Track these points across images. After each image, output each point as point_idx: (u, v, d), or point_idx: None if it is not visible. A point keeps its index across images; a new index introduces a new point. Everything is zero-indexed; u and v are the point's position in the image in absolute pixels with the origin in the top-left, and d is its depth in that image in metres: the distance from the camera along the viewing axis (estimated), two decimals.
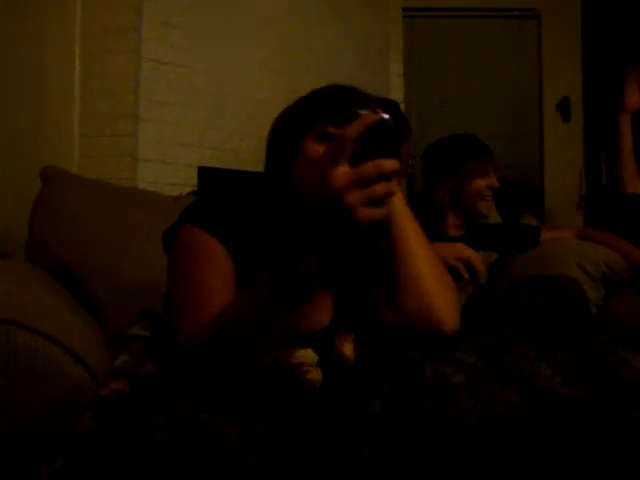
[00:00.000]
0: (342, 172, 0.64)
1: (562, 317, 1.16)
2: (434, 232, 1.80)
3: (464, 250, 1.52)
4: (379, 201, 0.65)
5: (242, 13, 2.60)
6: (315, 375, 0.85)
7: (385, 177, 0.65)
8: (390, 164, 0.65)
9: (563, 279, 1.56)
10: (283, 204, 0.97)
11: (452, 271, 1.51)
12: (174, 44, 2.36)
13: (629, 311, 1.79)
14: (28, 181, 1.66)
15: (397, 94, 3.12)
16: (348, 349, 0.90)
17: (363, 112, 0.65)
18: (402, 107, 3.06)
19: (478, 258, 1.51)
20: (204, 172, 2.48)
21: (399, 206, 0.94)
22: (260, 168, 1.07)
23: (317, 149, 0.92)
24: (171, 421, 0.70)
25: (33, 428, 0.95)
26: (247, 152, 2.38)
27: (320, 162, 0.68)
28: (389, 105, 1.59)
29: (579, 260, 1.78)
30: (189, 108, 2.43)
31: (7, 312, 0.97)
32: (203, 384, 0.80)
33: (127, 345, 0.97)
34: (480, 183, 1.84)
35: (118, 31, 2.23)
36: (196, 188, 2.38)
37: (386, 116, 0.65)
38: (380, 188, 0.64)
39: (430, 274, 0.93)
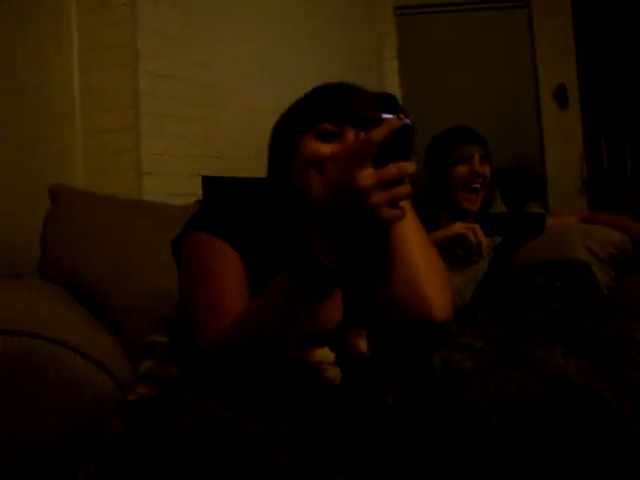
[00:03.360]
0: (367, 173, 0.67)
1: (583, 297, 1.17)
2: (433, 224, 1.78)
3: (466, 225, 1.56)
4: (397, 202, 0.69)
5: (235, 22, 2.62)
6: (333, 373, 0.86)
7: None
8: (411, 166, 0.68)
9: (573, 263, 1.57)
10: (286, 203, 0.99)
11: (455, 247, 1.52)
12: (170, 56, 2.39)
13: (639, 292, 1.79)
14: (32, 199, 1.67)
15: (394, 92, 3.13)
16: (363, 346, 0.91)
17: (387, 116, 0.69)
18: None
19: (481, 233, 1.54)
20: (208, 181, 2.50)
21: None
22: (260, 174, 1.09)
23: (316, 146, 0.94)
24: (200, 421, 0.71)
25: (63, 436, 0.96)
26: (247, 159, 2.39)
27: (334, 162, 0.70)
28: (387, 99, 1.60)
29: (586, 243, 1.78)
30: (189, 119, 2.45)
31: (30, 325, 0.99)
32: (226, 386, 0.81)
33: (148, 352, 0.98)
34: (462, 170, 1.79)
35: (114, 46, 2.25)
36: (201, 197, 2.40)
37: (409, 122, 0.69)
38: (402, 189, 0.68)
39: (424, 263, 0.94)
